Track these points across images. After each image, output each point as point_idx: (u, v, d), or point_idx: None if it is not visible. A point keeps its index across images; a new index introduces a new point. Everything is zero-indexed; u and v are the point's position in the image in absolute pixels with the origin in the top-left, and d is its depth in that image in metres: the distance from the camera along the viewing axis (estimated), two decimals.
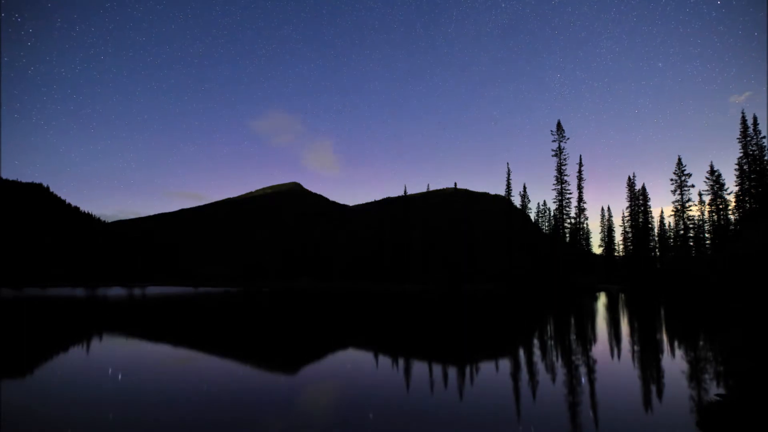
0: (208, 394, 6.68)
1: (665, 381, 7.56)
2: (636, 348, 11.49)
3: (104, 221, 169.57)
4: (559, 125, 61.25)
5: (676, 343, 12.21)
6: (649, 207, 63.19)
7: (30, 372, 8.56)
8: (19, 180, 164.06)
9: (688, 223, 54.44)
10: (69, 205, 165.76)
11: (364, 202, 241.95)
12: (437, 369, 8.69)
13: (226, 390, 6.97)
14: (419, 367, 8.91)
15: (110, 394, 6.66)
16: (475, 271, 67.98)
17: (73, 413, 5.69)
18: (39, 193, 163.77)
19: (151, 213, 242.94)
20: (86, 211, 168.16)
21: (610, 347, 11.44)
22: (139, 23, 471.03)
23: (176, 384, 7.45)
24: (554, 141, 61.21)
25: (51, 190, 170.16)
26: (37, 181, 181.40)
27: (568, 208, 62.12)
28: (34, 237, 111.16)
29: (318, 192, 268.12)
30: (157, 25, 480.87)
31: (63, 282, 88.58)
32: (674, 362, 9.30)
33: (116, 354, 10.65)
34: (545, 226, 72.70)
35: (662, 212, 66.51)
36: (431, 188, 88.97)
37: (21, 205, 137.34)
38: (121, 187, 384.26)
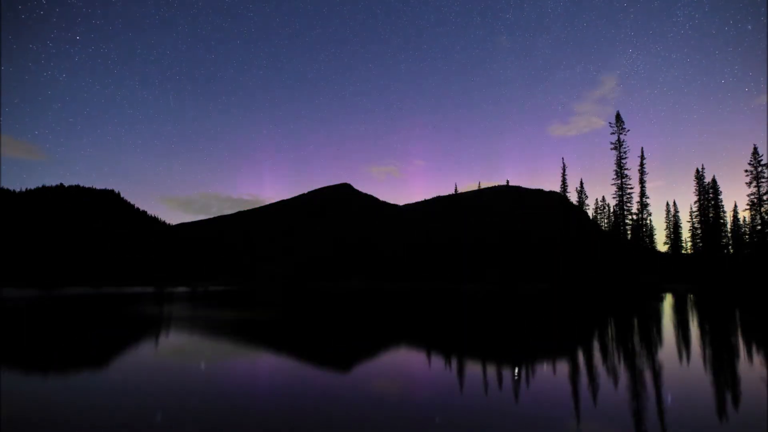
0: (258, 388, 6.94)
1: (745, 391, 7.04)
2: (711, 353, 10.76)
3: (169, 224, 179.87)
4: (618, 117, 58.47)
5: (754, 350, 11.32)
6: (721, 201, 58.85)
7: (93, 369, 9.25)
8: (94, 187, 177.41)
9: (767, 217, 50.18)
10: (138, 209, 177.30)
11: (414, 201, 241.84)
12: (504, 372, 8.54)
13: (280, 384, 7.21)
14: (486, 370, 8.81)
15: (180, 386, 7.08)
16: (529, 270, 66.11)
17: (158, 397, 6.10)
18: (111, 198, 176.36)
19: (211, 216, 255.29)
20: (152, 215, 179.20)
21: (679, 351, 10.78)
22: (207, 41, 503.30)
23: (234, 377, 7.80)
24: (613, 133, 58.51)
25: (122, 195, 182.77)
26: (109, 187, 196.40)
27: (629, 204, 59.13)
28: (107, 239, 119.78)
29: (368, 192, 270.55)
30: (224, 42, 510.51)
31: (133, 282, 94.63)
32: (755, 370, 8.63)
33: (180, 347, 11.28)
34: (604, 223, 69.48)
35: (735, 206, 61.48)
36: (482, 186, 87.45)
37: (97, 209, 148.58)
38: (184, 192, 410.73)
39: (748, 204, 51.96)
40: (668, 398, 6.43)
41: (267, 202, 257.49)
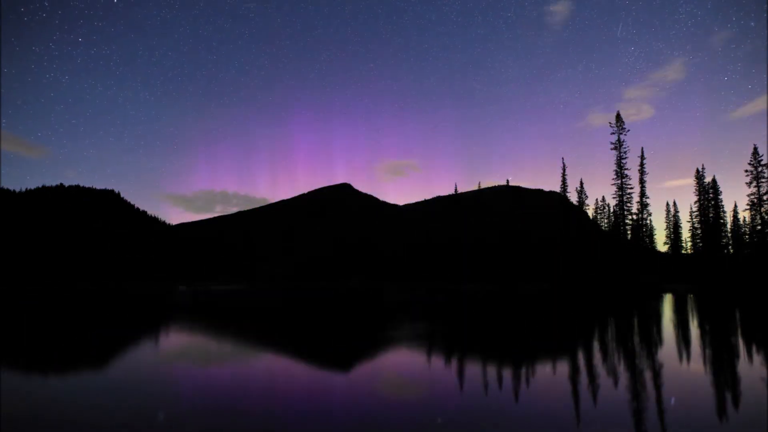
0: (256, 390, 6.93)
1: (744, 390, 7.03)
2: (711, 353, 10.75)
3: (169, 224, 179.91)
4: (618, 116, 58.50)
5: (754, 350, 11.30)
6: (721, 201, 58.77)
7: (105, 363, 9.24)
8: (94, 187, 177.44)
9: (767, 217, 50.15)
10: (137, 209, 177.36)
11: (414, 201, 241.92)
12: (504, 372, 8.53)
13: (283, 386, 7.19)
14: (486, 370, 8.80)
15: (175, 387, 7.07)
16: (529, 270, 66.08)
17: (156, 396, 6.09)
18: (111, 198, 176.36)
19: (212, 216, 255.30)
20: (152, 215, 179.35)
21: (679, 351, 10.77)
22: (208, 42, 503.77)
23: (231, 378, 7.78)
24: (613, 133, 58.50)
25: (122, 195, 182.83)
26: (109, 187, 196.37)
27: (629, 204, 59.07)
28: (107, 239, 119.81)
29: (368, 192, 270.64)
30: (225, 43, 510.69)
31: (134, 281, 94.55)
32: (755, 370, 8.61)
33: (181, 346, 11.27)
34: (604, 224, 69.48)
35: (735, 206, 61.52)
36: (482, 186, 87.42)
37: (97, 209, 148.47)
38: (185, 192, 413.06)
39: (748, 204, 51.97)
40: (668, 398, 6.41)
41: (268, 202, 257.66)
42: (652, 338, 13.34)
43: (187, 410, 5.79)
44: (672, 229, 67.06)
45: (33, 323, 16.86)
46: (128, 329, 15.51)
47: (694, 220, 62.27)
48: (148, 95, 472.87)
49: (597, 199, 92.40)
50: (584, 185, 64.70)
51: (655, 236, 68.69)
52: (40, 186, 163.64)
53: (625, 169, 58.37)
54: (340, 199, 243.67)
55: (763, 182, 50.71)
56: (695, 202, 61.09)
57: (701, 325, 16.82)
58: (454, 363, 9.46)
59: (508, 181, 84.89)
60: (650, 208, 62.17)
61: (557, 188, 68.32)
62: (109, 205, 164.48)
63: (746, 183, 51.62)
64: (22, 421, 5.36)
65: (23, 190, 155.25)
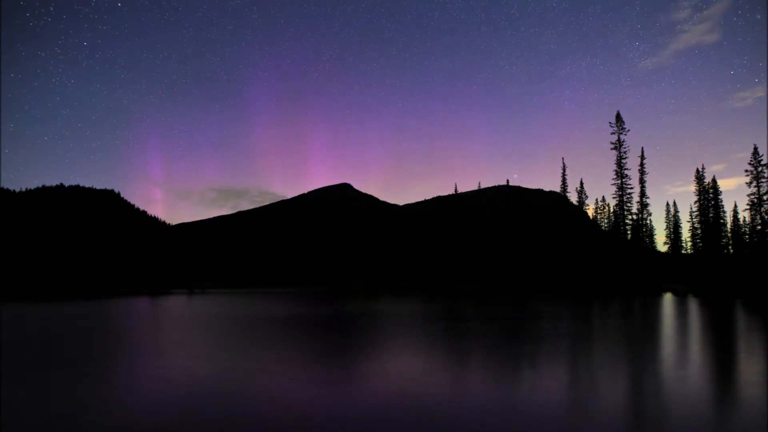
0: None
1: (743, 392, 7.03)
2: (710, 353, 10.75)
3: (169, 224, 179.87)
4: (618, 116, 58.46)
5: (754, 350, 11.31)
6: (721, 201, 58.72)
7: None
8: (94, 187, 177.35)
9: (767, 217, 50.12)
10: (138, 209, 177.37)
11: (414, 201, 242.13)
12: (504, 372, 8.53)
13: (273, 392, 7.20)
14: (486, 370, 8.79)
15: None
16: (529, 270, 66.09)
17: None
18: (111, 198, 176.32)
19: (212, 216, 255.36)
20: (152, 215, 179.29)
21: (678, 351, 10.77)
22: (212, 43, 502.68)
23: (232, 382, 7.79)
24: (613, 133, 58.44)
25: (122, 195, 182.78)
26: (109, 187, 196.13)
27: (629, 204, 59.02)
28: (107, 238, 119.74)
29: (368, 192, 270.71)
30: (230, 45, 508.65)
31: (133, 281, 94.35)
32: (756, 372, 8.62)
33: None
34: (604, 223, 69.49)
35: (736, 206, 61.56)
36: (482, 186, 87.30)
37: (96, 209, 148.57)
38: (186, 192, 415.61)
39: (748, 204, 51.83)
40: (667, 398, 6.43)
41: (268, 202, 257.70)
42: (650, 338, 13.34)
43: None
44: (672, 229, 67.01)
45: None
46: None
47: (694, 220, 62.24)
48: (153, 98, 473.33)
49: (597, 199, 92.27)
50: (584, 185, 64.67)
51: (655, 236, 68.76)
52: (40, 186, 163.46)
53: (625, 169, 58.34)
54: (340, 199, 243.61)
55: (763, 182, 50.66)
56: (695, 202, 61.00)
57: (700, 325, 16.83)
58: (450, 363, 9.48)
59: (508, 181, 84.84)
60: (650, 208, 62.08)
61: (557, 188, 68.30)
62: (109, 205, 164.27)
63: (746, 183, 51.59)
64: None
65: (23, 190, 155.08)
